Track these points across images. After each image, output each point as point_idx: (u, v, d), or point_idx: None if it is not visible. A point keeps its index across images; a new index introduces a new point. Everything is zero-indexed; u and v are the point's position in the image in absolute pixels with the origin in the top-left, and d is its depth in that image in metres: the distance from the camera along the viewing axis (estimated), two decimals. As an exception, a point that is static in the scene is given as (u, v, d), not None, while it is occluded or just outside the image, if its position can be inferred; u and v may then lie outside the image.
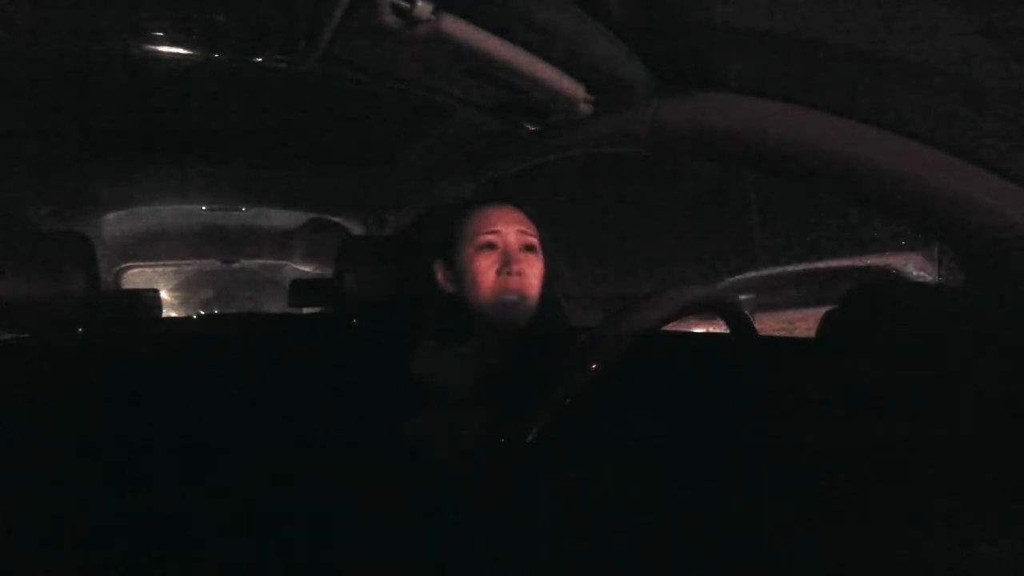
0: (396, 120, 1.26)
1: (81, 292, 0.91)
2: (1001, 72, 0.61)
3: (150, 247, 2.18)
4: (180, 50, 0.84)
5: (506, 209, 0.85)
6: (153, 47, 0.83)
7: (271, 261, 2.58)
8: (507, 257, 0.81)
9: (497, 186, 1.33)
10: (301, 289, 1.94)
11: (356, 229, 1.94)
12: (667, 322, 0.62)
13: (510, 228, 0.83)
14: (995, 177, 0.65)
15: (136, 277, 2.59)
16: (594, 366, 0.55)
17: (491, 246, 0.82)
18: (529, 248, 0.84)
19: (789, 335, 0.97)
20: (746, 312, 0.74)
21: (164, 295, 2.35)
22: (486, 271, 0.81)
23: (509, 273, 0.80)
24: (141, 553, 0.62)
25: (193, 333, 1.36)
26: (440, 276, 0.87)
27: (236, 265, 2.59)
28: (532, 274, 0.83)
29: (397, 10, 0.67)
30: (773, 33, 0.69)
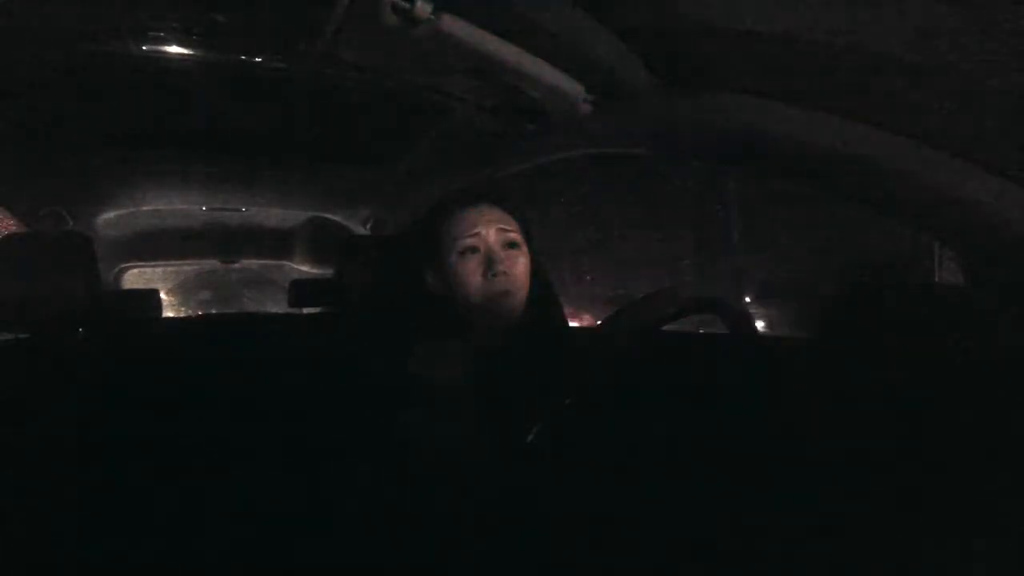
0: (396, 120, 1.26)
1: (81, 292, 0.91)
2: (1001, 72, 0.61)
3: (150, 247, 2.17)
4: (180, 50, 0.84)
5: (483, 208, 0.83)
6: (153, 47, 0.83)
7: (271, 261, 2.58)
8: (490, 259, 0.80)
9: (480, 184, 1.32)
10: (301, 289, 1.94)
11: (356, 229, 1.94)
12: (667, 322, 0.62)
13: (490, 228, 0.81)
14: (995, 177, 0.65)
15: (136, 277, 2.59)
16: (594, 367, 0.55)
17: (472, 249, 0.81)
18: (512, 244, 0.82)
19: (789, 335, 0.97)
20: (746, 312, 0.74)
21: (164, 295, 2.35)
22: (470, 276, 0.80)
23: (494, 275, 0.79)
24: (141, 553, 0.62)
25: (193, 333, 1.36)
26: (430, 281, 0.87)
27: (236, 265, 2.58)
28: (517, 271, 0.82)
29: (397, 10, 0.67)
30: (773, 33, 0.69)
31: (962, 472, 0.45)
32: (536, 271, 0.86)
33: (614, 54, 0.81)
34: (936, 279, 0.87)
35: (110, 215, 1.69)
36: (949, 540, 0.42)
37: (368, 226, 1.91)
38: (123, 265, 2.29)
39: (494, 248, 0.81)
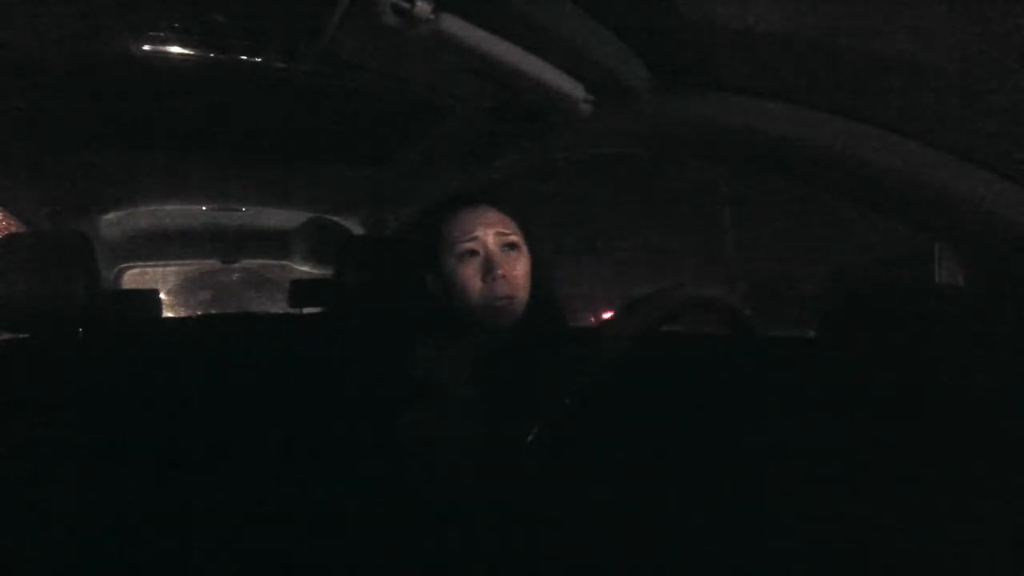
0: (396, 120, 1.26)
1: (81, 292, 0.91)
2: (1001, 72, 0.61)
3: (150, 247, 2.17)
4: (180, 50, 0.84)
5: (482, 211, 0.83)
6: (153, 47, 0.83)
7: (271, 261, 2.58)
8: (489, 263, 0.80)
9: (478, 185, 1.32)
10: (301, 289, 1.94)
11: (356, 229, 1.94)
12: (667, 322, 0.62)
13: (488, 232, 0.81)
14: (995, 177, 0.65)
15: (136, 277, 2.59)
16: (594, 367, 0.55)
17: (472, 253, 0.81)
18: (511, 247, 0.83)
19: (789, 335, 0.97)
20: (745, 312, 0.74)
21: (164, 295, 2.35)
22: (470, 280, 0.80)
23: (494, 279, 0.79)
24: (141, 553, 0.62)
25: (193, 333, 1.36)
26: (430, 283, 0.87)
27: (236, 265, 2.59)
28: (517, 273, 0.82)
29: (397, 10, 0.67)
30: (773, 33, 0.69)
31: (961, 471, 0.46)
32: (537, 271, 0.86)
33: (614, 54, 0.81)
34: (936, 279, 0.87)
35: (110, 215, 1.69)
36: (947, 538, 0.42)
37: (368, 226, 1.91)
38: (123, 265, 2.30)
39: (493, 251, 0.81)
